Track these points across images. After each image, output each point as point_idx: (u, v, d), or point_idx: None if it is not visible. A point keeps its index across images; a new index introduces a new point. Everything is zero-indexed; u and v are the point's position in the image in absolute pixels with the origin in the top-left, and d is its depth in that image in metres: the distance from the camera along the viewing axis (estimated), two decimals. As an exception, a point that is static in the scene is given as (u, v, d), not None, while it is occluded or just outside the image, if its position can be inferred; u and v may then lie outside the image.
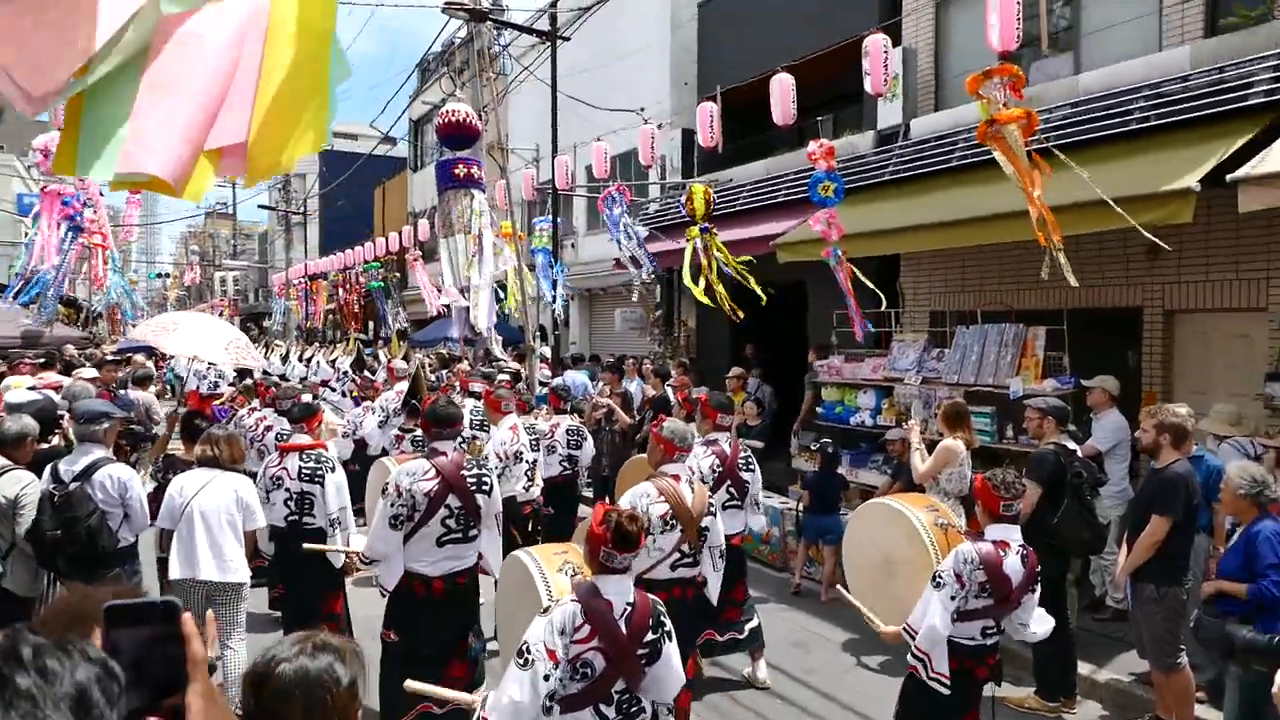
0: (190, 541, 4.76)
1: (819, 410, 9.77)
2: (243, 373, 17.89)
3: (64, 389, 6.62)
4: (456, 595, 4.55)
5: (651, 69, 15.36)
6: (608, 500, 8.98)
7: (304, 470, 5.12)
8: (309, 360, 17.33)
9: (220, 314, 43.38)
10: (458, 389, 9.26)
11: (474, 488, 4.54)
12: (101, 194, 18.69)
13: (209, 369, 17.23)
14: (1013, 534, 3.91)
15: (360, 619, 5.70)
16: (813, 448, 8.20)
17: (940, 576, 3.83)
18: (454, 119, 10.74)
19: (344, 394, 12.56)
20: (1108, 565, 6.59)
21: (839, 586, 4.80)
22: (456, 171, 9.57)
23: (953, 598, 3.77)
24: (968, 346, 8.17)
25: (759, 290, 9.11)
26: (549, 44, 13.76)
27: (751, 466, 5.73)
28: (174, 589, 4.72)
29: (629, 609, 3.04)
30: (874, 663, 6.11)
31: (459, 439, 4.67)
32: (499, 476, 6.10)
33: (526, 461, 6.33)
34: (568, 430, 7.83)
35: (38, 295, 12.09)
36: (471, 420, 7.52)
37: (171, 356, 16.31)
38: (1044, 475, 5.34)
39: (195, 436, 5.39)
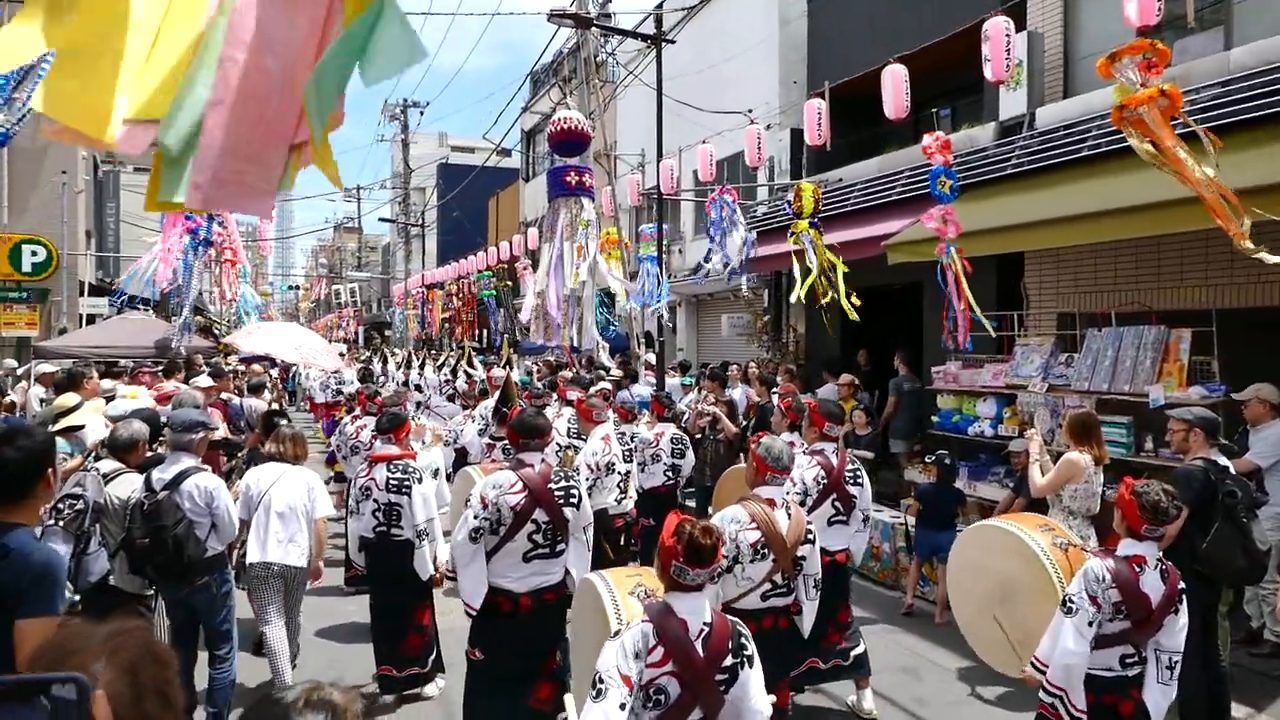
0: (265, 529, 5.19)
1: (934, 419, 9.22)
2: (365, 380, 18.49)
3: (174, 398, 6.81)
4: (544, 612, 4.37)
5: (759, 68, 15.02)
6: (710, 512, 8.76)
7: (391, 481, 5.07)
8: (413, 367, 17.74)
9: (345, 324, 45.30)
10: (555, 397, 9.15)
11: (561, 501, 4.35)
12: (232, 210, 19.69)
13: (330, 378, 17.90)
14: (1150, 550, 3.47)
15: (449, 630, 5.62)
16: (929, 459, 7.70)
17: (1071, 601, 3.41)
18: (565, 126, 10.70)
19: (450, 399, 12.72)
20: (1266, 595, 5.89)
21: (996, 614, 4.34)
22: (568, 179, 9.53)
23: (1090, 623, 3.36)
24: (1100, 350, 7.52)
25: (844, 301, 8.68)
26: (654, 48, 13.61)
27: (860, 480, 5.36)
28: (250, 571, 5.24)
29: (706, 629, 2.78)
30: (991, 694, 5.62)
31: (554, 449, 4.50)
32: (590, 488, 5.95)
33: (619, 473, 6.12)
34: (672, 439, 7.62)
35: (157, 303, 12.70)
36: (569, 429, 7.38)
37: (292, 365, 16.99)
38: (1191, 495, 4.74)
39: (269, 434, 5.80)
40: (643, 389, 11.08)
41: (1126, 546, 3.48)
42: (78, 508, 4.66)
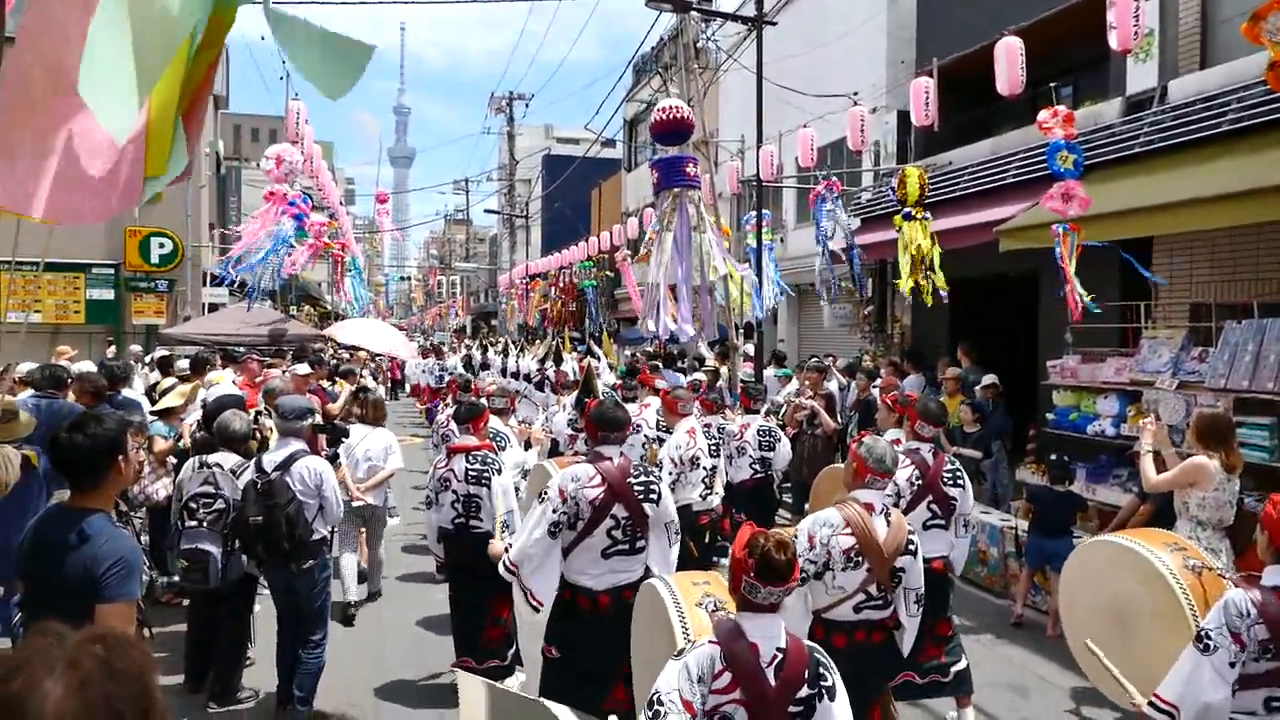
0: (353, 476, 6.72)
1: (1049, 416, 8.63)
2: (467, 368, 18.84)
3: (263, 386, 6.97)
4: (623, 611, 4.19)
5: (865, 49, 14.45)
6: (806, 510, 8.44)
7: (470, 472, 4.99)
8: (510, 356, 17.98)
9: (454, 313, 46.48)
10: (643, 388, 8.98)
11: (641, 496, 4.18)
12: (341, 202, 20.34)
13: (435, 364, 18.29)
14: None
15: (530, 624, 5.52)
16: (1051, 458, 7.17)
17: (1209, 638, 2.95)
18: (669, 115, 10.53)
19: (539, 386, 12.78)
20: None
21: (1090, 642, 3.89)
22: (689, 170, 9.37)
23: (1231, 664, 2.89)
24: (1239, 344, 6.84)
25: (940, 285, 8.20)
26: (755, 30, 13.24)
27: (960, 481, 4.98)
28: (356, 509, 6.67)
29: (779, 655, 2.53)
30: (1105, 717, 5.15)
31: (641, 441, 4.33)
32: (673, 484, 5.75)
33: (704, 468, 5.88)
34: (759, 431, 7.36)
35: (241, 281, 13.19)
36: (657, 421, 7.18)
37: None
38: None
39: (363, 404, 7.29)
40: (675, 375, 10.77)
41: (1273, 574, 3.04)
42: (217, 507, 4.81)
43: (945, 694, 4.96)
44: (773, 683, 2.49)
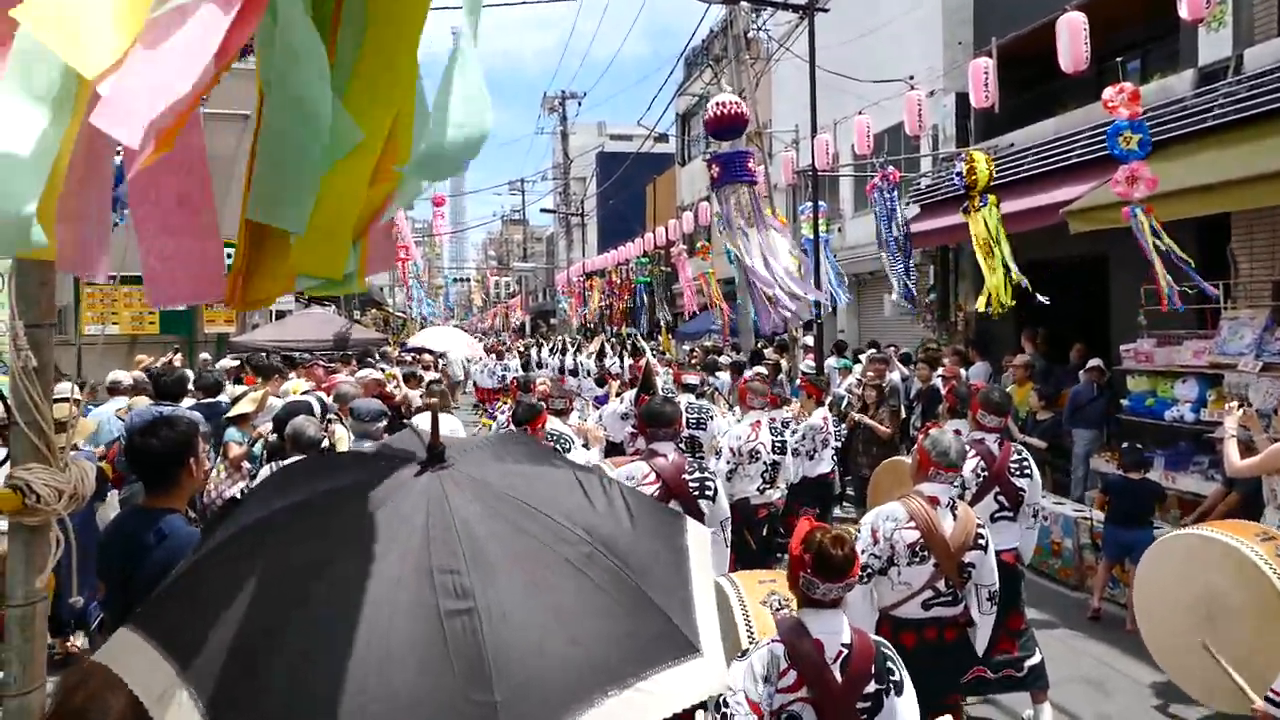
0: None
1: (1124, 403, 8.34)
2: (526, 366, 19.02)
3: (334, 390, 7.10)
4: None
5: (920, 31, 14.14)
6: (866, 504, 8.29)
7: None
8: (567, 353, 18.11)
9: (511, 312, 46.92)
10: (673, 383, 8.91)
11: (696, 493, 4.15)
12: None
13: (496, 364, 18.51)
14: None
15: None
16: (1124, 446, 6.92)
17: None
18: (723, 110, 10.44)
19: (599, 382, 12.85)
20: None
21: (1207, 642, 3.69)
22: (750, 165, 9.32)
23: None
24: (1327, 323, 6.53)
25: (1005, 284, 7.96)
26: (806, 18, 13.05)
27: (1028, 471, 4.83)
28: None
29: (845, 651, 2.48)
30: (1192, 714, 4.95)
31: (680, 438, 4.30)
32: (730, 474, 5.70)
33: (764, 462, 5.79)
34: (832, 423, 7.30)
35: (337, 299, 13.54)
36: (688, 419, 7.10)
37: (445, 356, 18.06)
38: None
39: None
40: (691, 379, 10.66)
41: None
42: None
43: (1020, 689, 4.83)
44: (839, 679, 2.44)
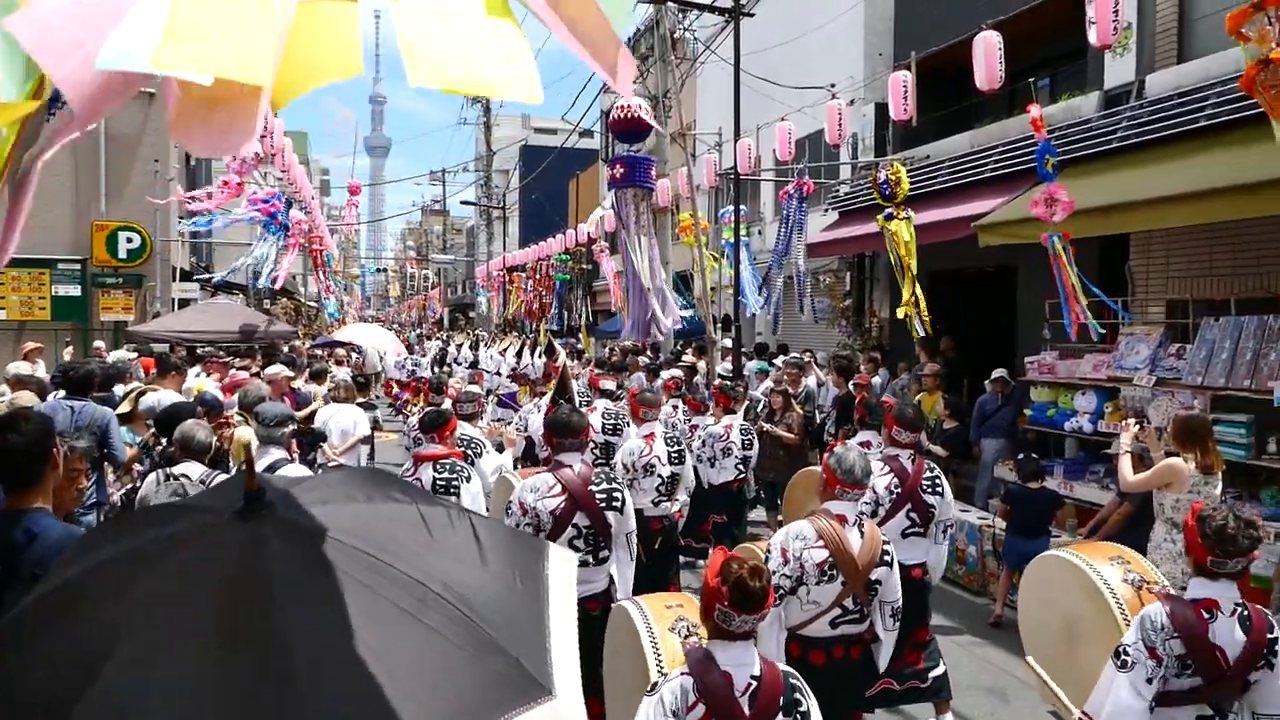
0: (329, 444, 7.93)
1: (1026, 413, 8.59)
2: (441, 362, 18.66)
3: (240, 390, 6.76)
4: (588, 624, 4.07)
5: (842, 41, 14.34)
6: (780, 520, 8.33)
7: (438, 481, 4.84)
8: (479, 349, 17.90)
9: (430, 306, 46.10)
10: (588, 387, 8.84)
11: (603, 505, 4.07)
12: (315, 195, 20.06)
13: (406, 358, 18.11)
14: (1225, 591, 2.93)
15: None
16: (1021, 457, 7.12)
17: (1126, 652, 2.91)
18: (627, 114, 10.40)
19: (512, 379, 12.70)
20: None
21: (1030, 659, 3.90)
22: (653, 174, 9.28)
23: (1149, 680, 2.85)
24: (1217, 341, 6.83)
25: (918, 319, 8.17)
26: (732, 22, 13.10)
27: (939, 488, 4.90)
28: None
29: (753, 684, 2.43)
30: (1090, 723, 5.11)
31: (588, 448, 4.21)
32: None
33: (659, 476, 5.69)
34: (741, 430, 7.29)
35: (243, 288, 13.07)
36: (604, 424, 7.01)
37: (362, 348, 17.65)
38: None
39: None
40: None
41: (1197, 587, 2.97)
42: None
43: (924, 699, 4.91)
44: (747, 712, 2.40)
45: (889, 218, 8.77)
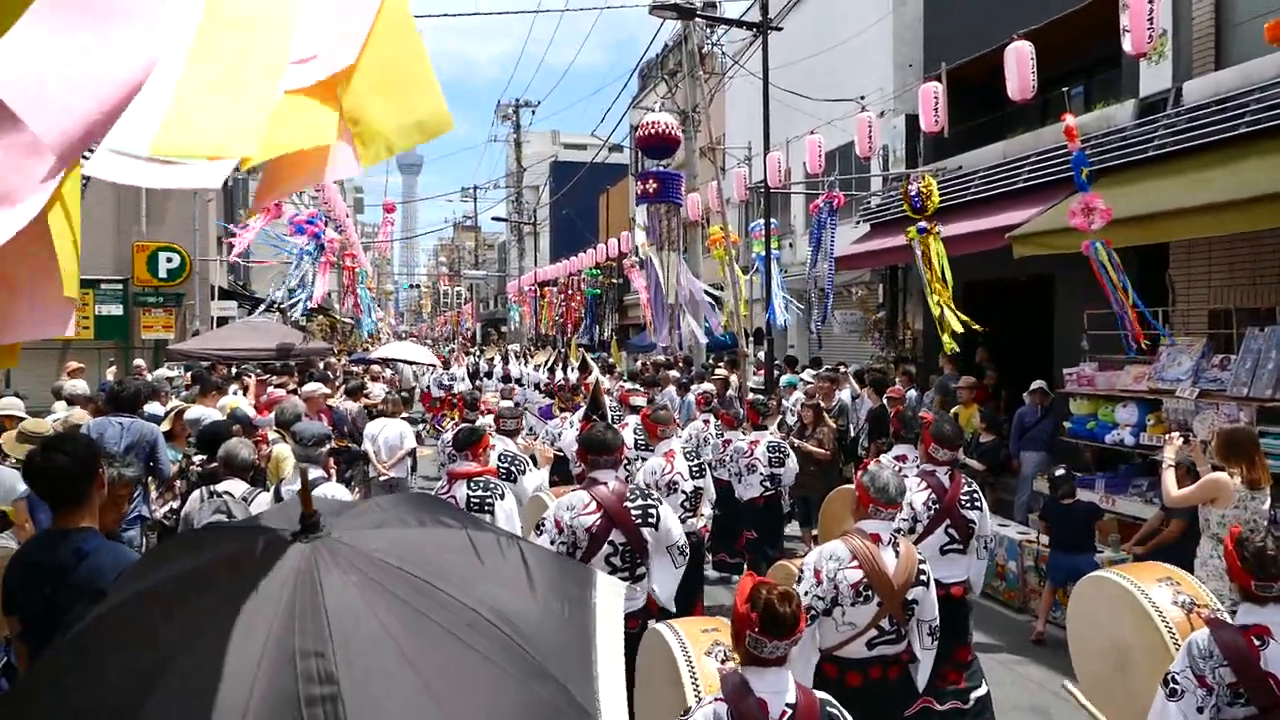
0: (380, 455, 8.39)
1: (1066, 425, 8.46)
2: (474, 376, 18.76)
3: (276, 409, 6.83)
4: (627, 642, 4.08)
5: (872, 53, 14.30)
6: (813, 535, 8.25)
7: (472, 499, 4.85)
8: (511, 363, 17.97)
9: (463, 321, 46.45)
10: (619, 404, 8.82)
11: (639, 521, 4.06)
12: (348, 214, 20.34)
13: (442, 374, 18.25)
14: (1276, 617, 2.84)
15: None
16: (1058, 473, 7.00)
17: (1175, 680, 2.85)
18: (655, 130, 10.45)
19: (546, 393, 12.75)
20: None
21: (1066, 684, 3.82)
22: (682, 190, 9.34)
23: (1199, 709, 2.78)
24: (1262, 352, 6.67)
25: (956, 325, 8.06)
26: (760, 36, 13.13)
27: (978, 503, 4.84)
28: (374, 483, 8.47)
29: (789, 711, 2.41)
30: (1137, 744, 5.00)
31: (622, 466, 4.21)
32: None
33: (683, 492, 5.66)
34: (769, 446, 7.23)
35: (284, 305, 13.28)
36: (636, 440, 6.99)
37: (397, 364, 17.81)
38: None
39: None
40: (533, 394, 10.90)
41: (1246, 613, 2.89)
42: None
43: (965, 720, 4.83)
44: None
45: (923, 231, 8.71)
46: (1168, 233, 7.49)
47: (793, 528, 8.92)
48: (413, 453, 8.93)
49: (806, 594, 3.41)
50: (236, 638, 1.37)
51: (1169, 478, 5.09)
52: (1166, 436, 5.44)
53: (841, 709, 2.52)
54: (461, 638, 1.44)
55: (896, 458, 5.70)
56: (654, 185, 10.29)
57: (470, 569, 1.59)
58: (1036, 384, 8.90)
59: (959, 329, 8.64)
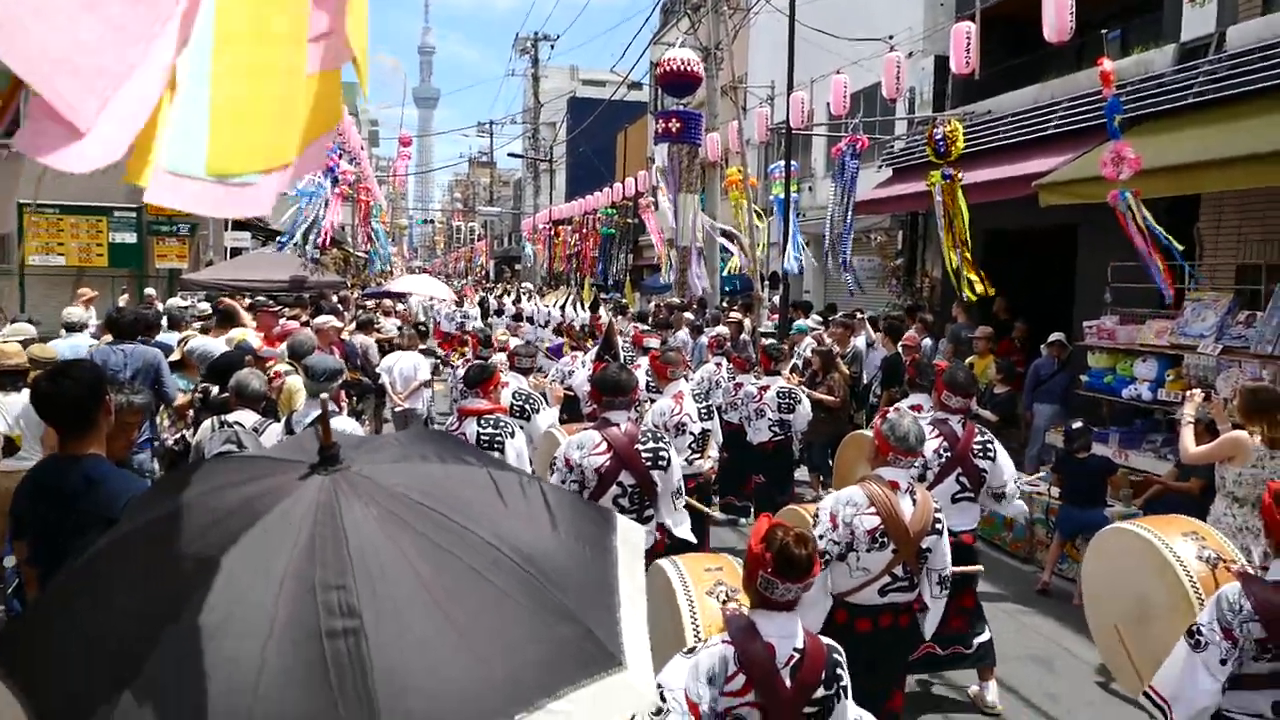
0: (396, 386, 8.65)
1: (1083, 379, 8.35)
2: (485, 314, 18.73)
3: (289, 341, 6.78)
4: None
5: (903, -11, 13.85)
6: (821, 479, 8.21)
7: (482, 436, 4.83)
8: (523, 301, 17.91)
9: (476, 257, 46.30)
10: (632, 345, 8.76)
11: (649, 463, 4.04)
12: (363, 147, 20.11)
13: (455, 310, 18.20)
14: None
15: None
16: (1075, 426, 6.90)
17: (1200, 633, 2.84)
18: (676, 66, 10.15)
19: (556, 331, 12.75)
20: None
21: (1120, 625, 3.77)
22: (702, 131, 9.10)
23: (1223, 661, 2.78)
24: (1291, 310, 6.53)
25: (977, 282, 7.89)
26: (788, -31, 12.70)
27: (991, 453, 4.78)
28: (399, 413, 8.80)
29: (796, 656, 2.39)
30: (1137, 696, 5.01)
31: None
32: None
33: (690, 434, 5.64)
34: (779, 392, 7.18)
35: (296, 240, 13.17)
36: (647, 383, 6.97)
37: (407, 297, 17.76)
38: None
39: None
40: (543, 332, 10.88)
41: (1278, 568, 2.86)
42: None
43: (967, 665, 4.86)
44: (789, 685, 2.36)
45: (947, 178, 8.51)
46: (1200, 184, 7.29)
47: (802, 473, 8.92)
48: (429, 383, 9.05)
49: (822, 538, 3.39)
50: (255, 569, 1.35)
51: (1188, 434, 5.03)
52: (1188, 393, 5.35)
53: (843, 654, 2.50)
54: (485, 574, 1.41)
55: (912, 407, 5.63)
56: (677, 124, 10.07)
57: (492, 507, 1.55)
58: (1055, 336, 8.77)
59: (971, 296, 8.52)
